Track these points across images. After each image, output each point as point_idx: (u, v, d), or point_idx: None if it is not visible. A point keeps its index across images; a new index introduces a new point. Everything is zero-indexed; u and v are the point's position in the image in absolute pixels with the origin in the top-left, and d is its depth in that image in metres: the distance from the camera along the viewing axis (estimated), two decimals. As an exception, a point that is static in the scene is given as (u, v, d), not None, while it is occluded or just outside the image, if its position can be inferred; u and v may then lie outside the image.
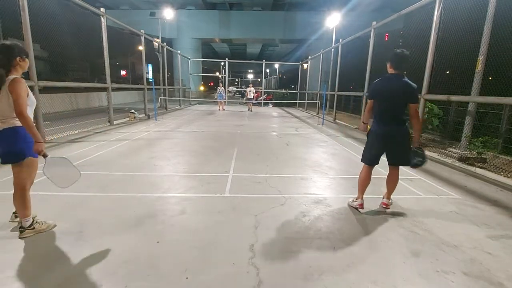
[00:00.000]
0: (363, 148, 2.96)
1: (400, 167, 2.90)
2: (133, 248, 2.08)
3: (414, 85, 2.65)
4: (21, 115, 1.98)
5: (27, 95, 2.07)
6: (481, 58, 4.64)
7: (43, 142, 2.10)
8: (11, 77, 2.03)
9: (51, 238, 2.17)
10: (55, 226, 2.34)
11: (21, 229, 2.18)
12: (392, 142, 2.75)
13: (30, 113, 2.10)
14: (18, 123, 2.05)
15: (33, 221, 2.22)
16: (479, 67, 4.68)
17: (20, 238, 2.15)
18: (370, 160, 2.85)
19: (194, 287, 1.71)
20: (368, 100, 2.88)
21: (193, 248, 2.10)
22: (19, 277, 1.73)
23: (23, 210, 2.17)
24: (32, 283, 1.69)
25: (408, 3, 6.10)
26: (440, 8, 5.28)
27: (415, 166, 2.79)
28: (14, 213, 2.38)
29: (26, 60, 2.16)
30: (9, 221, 2.37)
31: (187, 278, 1.78)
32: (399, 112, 2.72)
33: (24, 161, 2.11)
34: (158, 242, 2.16)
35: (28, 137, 2.08)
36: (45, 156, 2.15)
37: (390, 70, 2.74)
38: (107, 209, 2.70)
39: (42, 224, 2.27)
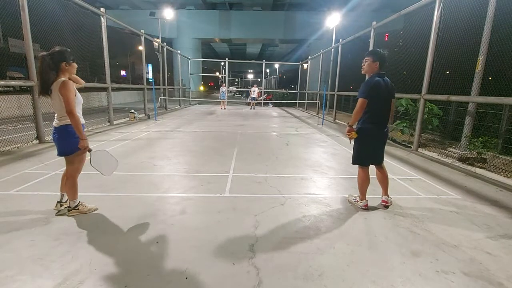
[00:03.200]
0: (356, 150, 2.90)
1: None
2: (133, 248, 2.08)
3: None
4: (70, 114, 2.26)
5: (75, 95, 2.34)
6: (481, 58, 4.64)
7: (86, 139, 2.41)
8: (60, 80, 2.30)
9: (52, 237, 2.17)
10: (96, 209, 2.64)
11: (69, 209, 2.53)
12: (382, 142, 2.86)
13: (78, 111, 2.39)
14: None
15: (78, 203, 2.56)
16: (479, 67, 4.68)
17: (68, 215, 2.50)
18: (368, 160, 2.88)
19: (194, 287, 1.71)
20: (362, 100, 2.68)
21: (193, 248, 2.10)
22: (19, 277, 1.72)
23: (72, 194, 2.52)
24: (32, 282, 1.68)
25: (408, 3, 6.11)
26: (440, 8, 5.28)
27: None
28: (58, 202, 2.63)
29: (73, 64, 2.40)
30: (54, 209, 2.60)
31: (187, 278, 1.78)
32: (388, 111, 2.82)
33: (73, 154, 2.43)
34: (158, 242, 2.16)
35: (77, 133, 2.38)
36: (89, 150, 2.47)
37: (375, 69, 2.76)
38: (107, 209, 2.70)
39: (85, 206, 2.60)
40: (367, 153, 2.85)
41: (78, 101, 2.42)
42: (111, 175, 2.66)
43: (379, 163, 2.94)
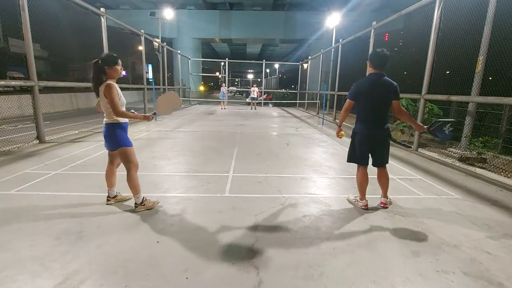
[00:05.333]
0: (349, 149, 2.97)
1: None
2: (133, 248, 2.08)
3: (394, 83, 2.69)
4: (118, 114, 2.45)
5: (119, 97, 2.48)
6: (481, 58, 4.64)
7: (145, 116, 2.62)
8: (105, 82, 2.46)
9: (52, 237, 2.17)
10: (158, 202, 2.80)
11: (135, 205, 2.67)
12: (377, 143, 2.80)
13: None
14: (115, 120, 2.52)
15: (143, 199, 2.68)
16: (479, 67, 4.67)
17: (135, 212, 2.63)
18: (360, 160, 2.87)
19: (194, 287, 1.71)
20: (348, 100, 2.82)
21: (193, 248, 2.10)
22: (19, 277, 1.72)
23: (134, 188, 2.65)
24: (32, 282, 1.69)
25: (408, 3, 6.11)
26: (440, 8, 5.28)
27: (445, 137, 2.64)
28: (108, 197, 2.81)
29: (114, 67, 2.51)
30: (106, 203, 2.80)
31: (187, 278, 1.78)
32: (384, 112, 2.75)
33: (119, 149, 2.58)
34: (158, 242, 2.16)
35: (122, 131, 2.56)
36: (155, 114, 2.72)
37: (370, 70, 2.76)
38: (107, 209, 2.70)
39: (149, 201, 2.72)
40: (358, 152, 2.85)
41: (121, 102, 2.54)
42: (179, 98, 2.86)
43: (379, 165, 2.89)
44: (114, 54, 2.54)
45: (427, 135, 7.42)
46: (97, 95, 2.55)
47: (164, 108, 2.77)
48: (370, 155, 2.85)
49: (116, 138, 2.55)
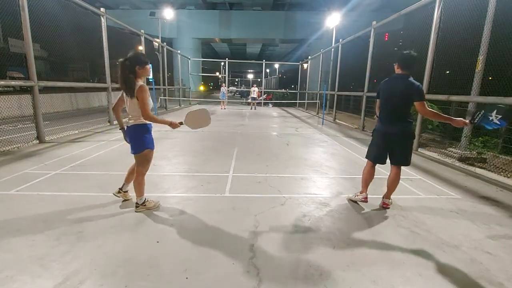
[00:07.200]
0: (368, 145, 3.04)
1: (404, 169, 2.91)
2: (133, 248, 2.08)
3: (417, 83, 2.63)
4: (148, 117, 2.44)
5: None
6: (481, 58, 4.64)
7: (172, 123, 2.57)
8: (138, 84, 2.42)
9: (52, 237, 2.17)
10: (159, 204, 2.80)
11: (136, 205, 2.68)
12: (392, 141, 2.78)
13: None
14: (140, 121, 2.48)
15: (145, 200, 2.69)
16: (479, 67, 4.67)
17: (135, 212, 2.64)
18: (373, 157, 2.90)
19: (194, 287, 1.71)
20: (377, 99, 2.98)
21: (193, 248, 2.10)
22: (19, 277, 1.72)
23: (139, 191, 2.65)
24: (32, 282, 1.68)
25: (408, 3, 6.10)
26: (440, 8, 5.28)
27: (497, 126, 2.24)
28: (120, 188, 2.84)
29: (145, 66, 2.47)
30: (113, 193, 2.85)
31: (187, 278, 1.78)
32: (401, 111, 2.72)
33: (142, 152, 2.55)
34: (158, 242, 2.16)
35: (148, 133, 2.54)
36: (181, 124, 2.61)
37: (397, 71, 2.76)
38: (107, 209, 2.70)
39: (150, 202, 2.73)
40: (374, 149, 2.91)
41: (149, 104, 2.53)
42: (210, 118, 2.77)
43: (395, 163, 2.85)
44: (143, 54, 2.50)
45: (426, 135, 7.42)
46: (129, 94, 2.41)
47: (191, 122, 2.69)
48: (388, 154, 2.84)
49: (142, 140, 2.52)
